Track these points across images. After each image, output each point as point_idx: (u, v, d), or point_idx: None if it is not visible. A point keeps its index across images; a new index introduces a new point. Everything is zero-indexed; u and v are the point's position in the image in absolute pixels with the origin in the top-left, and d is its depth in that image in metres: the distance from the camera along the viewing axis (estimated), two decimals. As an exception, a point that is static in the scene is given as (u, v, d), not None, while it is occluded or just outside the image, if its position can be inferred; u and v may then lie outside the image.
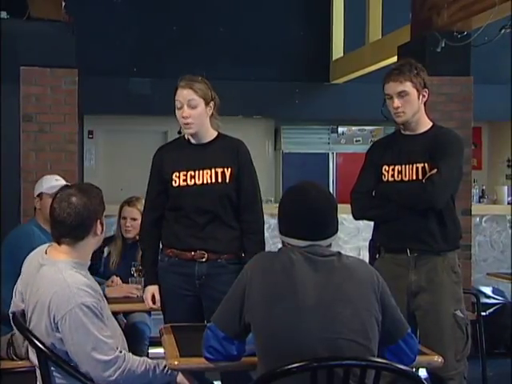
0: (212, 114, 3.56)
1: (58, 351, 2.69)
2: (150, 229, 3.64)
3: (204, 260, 3.51)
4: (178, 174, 3.54)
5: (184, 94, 3.49)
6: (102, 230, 2.82)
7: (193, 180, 3.52)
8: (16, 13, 5.67)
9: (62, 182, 4.34)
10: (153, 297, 3.58)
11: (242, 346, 2.54)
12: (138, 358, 2.77)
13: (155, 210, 3.62)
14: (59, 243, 2.79)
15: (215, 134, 3.62)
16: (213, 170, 3.52)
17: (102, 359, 2.64)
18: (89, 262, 2.86)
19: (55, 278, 2.68)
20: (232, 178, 3.53)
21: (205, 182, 3.52)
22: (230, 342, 2.53)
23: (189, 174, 3.53)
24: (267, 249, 3.49)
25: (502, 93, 8.41)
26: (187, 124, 3.50)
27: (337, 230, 2.59)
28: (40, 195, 4.37)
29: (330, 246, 2.57)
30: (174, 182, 3.54)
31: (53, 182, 4.37)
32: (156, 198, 3.61)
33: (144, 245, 3.70)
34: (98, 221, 2.79)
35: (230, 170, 3.53)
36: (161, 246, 3.70)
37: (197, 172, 3.53)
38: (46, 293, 2.67)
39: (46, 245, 2.87)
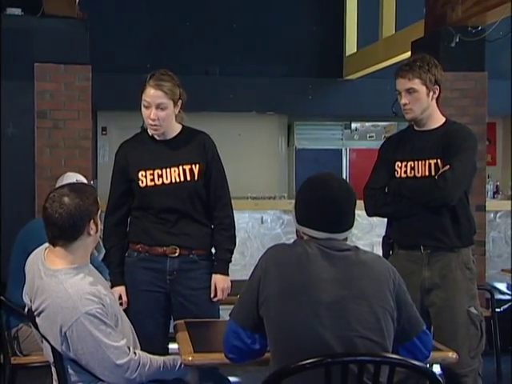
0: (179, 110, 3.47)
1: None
2: (115, 228, 3.51)
3: (176, 255, 3.44)
4: (144, 174, 3.43)
5: (153, 95, 3.39)
6: (97, 229, 2.74)
7: (160, 179, 3.42)
8: (30, 10, 5.70)
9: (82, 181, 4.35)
10: (120, 298, 3.43)
11: (265, 340, 2.47)
12: (151, 355, 2.77)
13: (119, 209, 3.52)
14: (54, 245, 2.72)
15: (179, 127, 3.52)
16: (180, 168, 3.43)
17: (117, 363, 2.63)
18: (88, 260, 2.80)
19: (57, 290, 2.64)
20: (200, 175, 3.45)
21: (173, 180, 3.42)
22: (251, 336, 2.47)
23: (156, 172, 3.43)
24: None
25: (516, 88, 8.35)
26: (154, 125, 3.40)
27: (353, 224, 2.54)
28: None
29: (345, 239, 2.53)
30: (140, 182, 3.43)
31: (72, 180, 4.34)
32: (120, 197, 3.51)
33: (109, 244, 3.54)
34: (91, 221, 2.70)
35: (198, 166, 3.45)
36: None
37: (164, 170, 3.42)
38: (51, 306, 2.64)
39: (44, 247, 2.80)
